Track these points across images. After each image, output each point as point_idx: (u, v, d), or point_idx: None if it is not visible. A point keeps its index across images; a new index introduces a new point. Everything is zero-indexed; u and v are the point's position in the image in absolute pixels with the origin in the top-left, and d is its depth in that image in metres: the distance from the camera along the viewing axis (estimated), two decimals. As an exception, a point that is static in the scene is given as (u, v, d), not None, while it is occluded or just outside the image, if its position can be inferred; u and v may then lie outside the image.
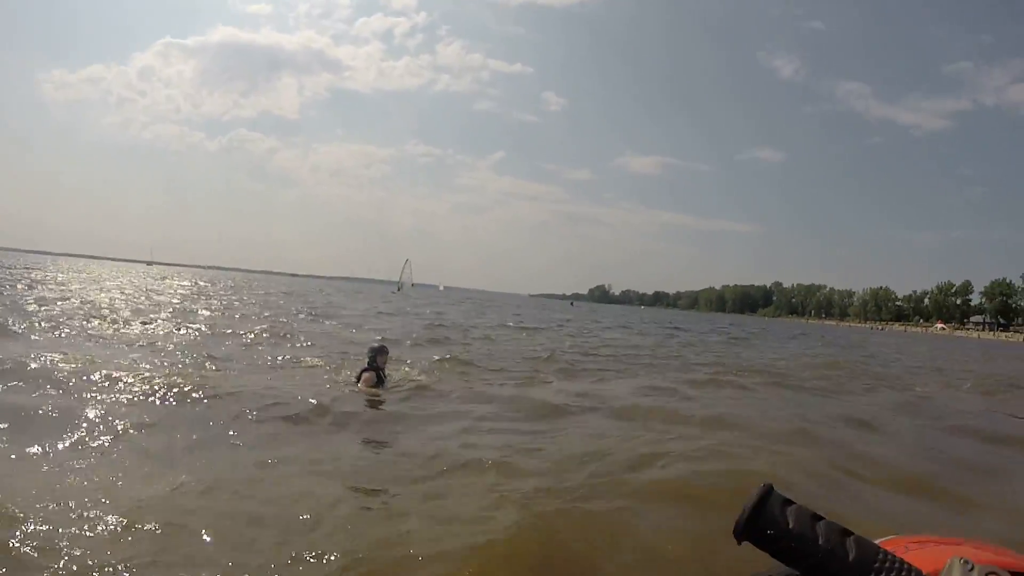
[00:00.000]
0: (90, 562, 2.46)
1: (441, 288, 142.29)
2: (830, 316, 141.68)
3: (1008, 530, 3.73)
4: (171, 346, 8.88)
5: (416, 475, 3.91)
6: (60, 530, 2.70)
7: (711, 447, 4.85)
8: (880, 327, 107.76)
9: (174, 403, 5.30)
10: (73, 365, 6.42)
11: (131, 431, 4.35)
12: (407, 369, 8.30)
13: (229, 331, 11.45)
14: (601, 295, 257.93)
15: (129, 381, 5.80)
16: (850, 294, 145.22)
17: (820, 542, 0.61)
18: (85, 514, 2.87)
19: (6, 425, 4.21)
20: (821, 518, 0.62)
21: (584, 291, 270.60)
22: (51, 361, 6.57)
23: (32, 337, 8.58)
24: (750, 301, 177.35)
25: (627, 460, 4.42)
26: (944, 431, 7.14)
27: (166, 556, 2.61)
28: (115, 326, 10.91)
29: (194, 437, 4.40)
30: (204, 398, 5.50)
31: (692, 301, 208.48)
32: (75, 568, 2.42)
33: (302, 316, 17.71)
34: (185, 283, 39.24)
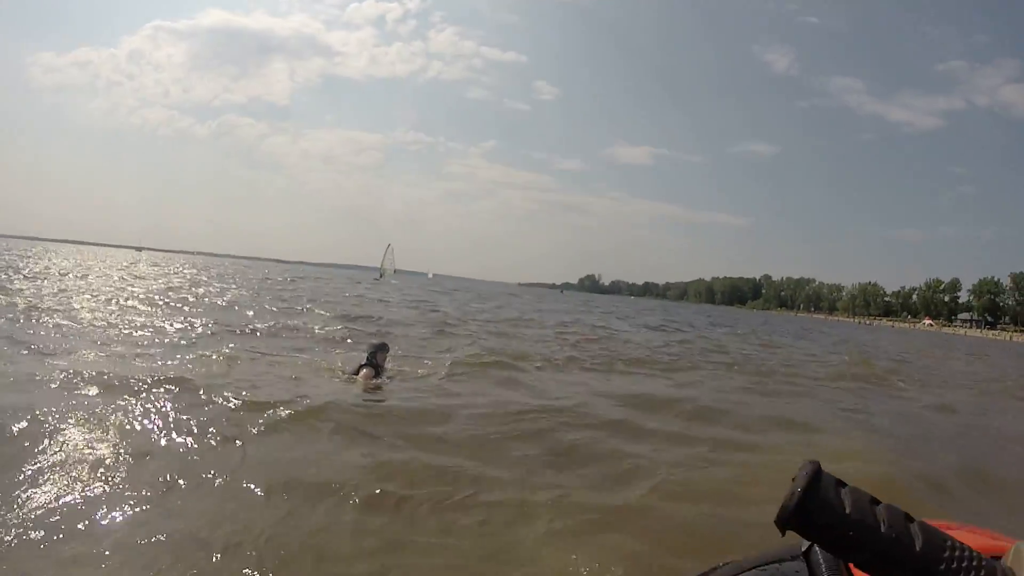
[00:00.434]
0: None
1: (430, 276, 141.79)
2: (819, 310, 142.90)
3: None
4: (164, 339, 8.65)
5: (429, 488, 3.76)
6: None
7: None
8: (868, 322, 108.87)
9: (167, 401, 5.08)
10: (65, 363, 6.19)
11: (122, 433, 4.14)
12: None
13: (216, 323, 11.18)
14: (591, 284, 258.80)
15: (124, 376, 5.59)
16: (839, 288, 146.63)
17: (883, 529, 0.51)
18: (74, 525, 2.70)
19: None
20: (879, 501, 0.53)
21: (574, 280, 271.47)
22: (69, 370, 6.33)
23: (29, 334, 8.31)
24: (739, 294, 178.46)
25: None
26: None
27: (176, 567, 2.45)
28: (113, 318, 10.64)
29: (182, 438, 4.19)
30: (181, 391, 5.23)
31: (681, 292, 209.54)
32: None
33: (284, 304, 17.04)
34: (184, 271, 38.61)
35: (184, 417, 4.51)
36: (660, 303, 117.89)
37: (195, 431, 4.25)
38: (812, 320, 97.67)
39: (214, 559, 2.60)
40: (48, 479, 3.23)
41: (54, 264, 32.52)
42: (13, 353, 6.54)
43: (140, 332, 8.82)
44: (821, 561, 0.60)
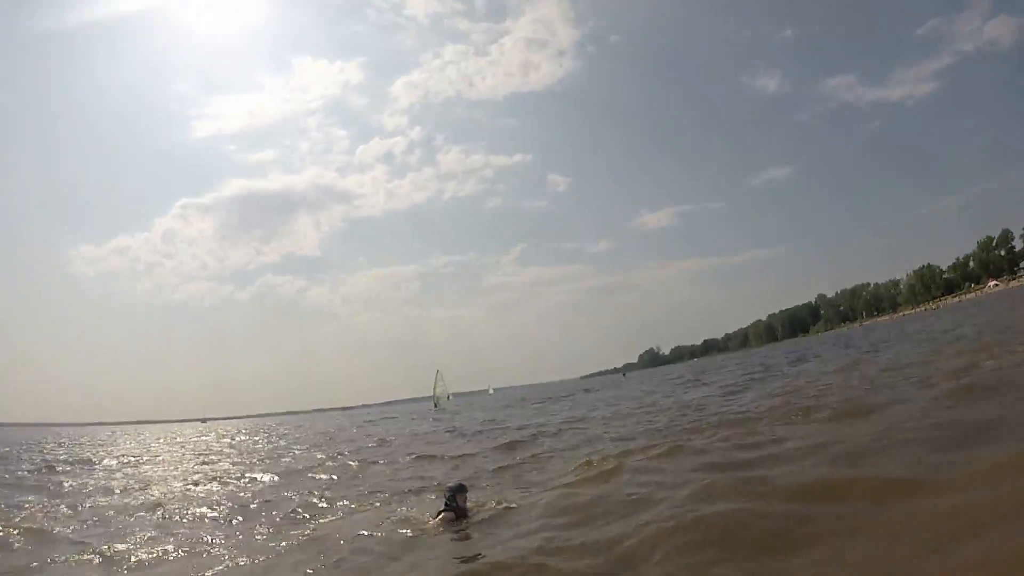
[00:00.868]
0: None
1: (491, 391, 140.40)
2: (881, 312, 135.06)
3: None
4: (248, 495, 9.46)
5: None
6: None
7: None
8: (934, 307, 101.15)
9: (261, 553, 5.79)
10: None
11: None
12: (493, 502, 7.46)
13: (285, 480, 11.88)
14: (651, 358, 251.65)
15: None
16: (895, 284, 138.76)
17: None
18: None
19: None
20: None
21: (634, 359, 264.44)
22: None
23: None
24: (799, 322, 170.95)
25: None
26: None
27: None
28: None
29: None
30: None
31: (742, 340, 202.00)
32: None
33: (344, 457, 16.36)
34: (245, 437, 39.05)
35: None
36: (724, 357, 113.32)
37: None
38: (877, 324, 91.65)
39: None
40: None
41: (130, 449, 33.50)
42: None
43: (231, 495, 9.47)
44: None
